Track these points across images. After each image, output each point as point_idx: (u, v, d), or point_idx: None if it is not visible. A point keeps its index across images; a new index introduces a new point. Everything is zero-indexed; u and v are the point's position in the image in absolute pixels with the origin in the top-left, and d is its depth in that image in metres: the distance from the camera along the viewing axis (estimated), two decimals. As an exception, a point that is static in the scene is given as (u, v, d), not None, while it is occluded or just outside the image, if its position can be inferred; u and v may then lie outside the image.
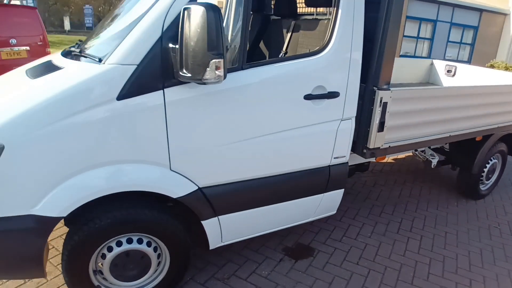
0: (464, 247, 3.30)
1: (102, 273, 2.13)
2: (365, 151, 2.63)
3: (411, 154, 5.50)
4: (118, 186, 1.90)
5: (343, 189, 2.71)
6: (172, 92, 1.84)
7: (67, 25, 31.44)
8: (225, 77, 1.71)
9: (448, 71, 5.86)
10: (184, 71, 1.68)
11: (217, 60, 1.62)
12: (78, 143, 1.76)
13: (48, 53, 8.45)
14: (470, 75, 5.51)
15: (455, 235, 3.51)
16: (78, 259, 2.01)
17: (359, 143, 2.62)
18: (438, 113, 2.96)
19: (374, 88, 2.46)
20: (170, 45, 1.77)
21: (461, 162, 4.02)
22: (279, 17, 3.20)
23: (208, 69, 1.62)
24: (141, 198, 2.05)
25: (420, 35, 15.32)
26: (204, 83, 1.71)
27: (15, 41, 7.58)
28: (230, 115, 2.04)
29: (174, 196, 2.03)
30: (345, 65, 2.30)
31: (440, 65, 5.98)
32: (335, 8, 2.21)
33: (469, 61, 17.16)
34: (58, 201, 1.80)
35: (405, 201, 4.13)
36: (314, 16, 2.86)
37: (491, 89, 3.46)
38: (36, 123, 1.68)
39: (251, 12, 3.60)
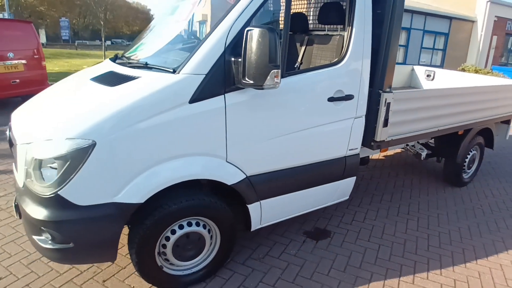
0: (454, 225, 3.87)
1: (165, 254, 2.50)
2: (372, 143, 3.16)
3: (399, 151, 6.11)
4: (187, 175, 2.31)
5: (355, 177, 3.22)
6: (231, 96, 2.31)
7: (42, 38, 31.18)
8: (280, 83, 2.19)
9: (428, 75, 6.48)
10: (247, 79, 2.15)
11: (275, 70, 2.10)
12: (158, 139, 2.17)
13: (44, 67, 8.58)
14: (447, 79, 6.16)
15: (446, 215, 4.07)
16: (148, 242, 2.35)
17: (367, 137, 3.14)
18: (430, 111, 3.54)
19: (380, 91, 2.99)
20: (232, 58, 2.24)
21: (447, 153, 4.62)
22: (292, 32, 3.72)
23: (268, 77, 2.10)
24: (197, 186, 2.47)
25: (395, 43, 16.17)
26: (263, 88, 2.17)
27: (13, 54, 7.73)
28: (274, 115, 2.53)
29: (229, 183, 2.48)
30: (358, 73, 2.82)
31: (420, 71, 6.61)
32: (350, 27, 2.74)
33: (441, 66, 18.17)
34: (138, 189, 2.17)
35: (400, 190, 4.68)
36: (326, 32, 3.38)
37: (473, 90, 4.08)
38: (125, 123, 2.07)
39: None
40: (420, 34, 17.26)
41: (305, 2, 3.76)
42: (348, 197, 3.36)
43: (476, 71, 15.30)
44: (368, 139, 3.15)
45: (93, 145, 2.01)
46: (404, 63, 16.51)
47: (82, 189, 2.06)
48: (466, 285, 2.88)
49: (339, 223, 3.72)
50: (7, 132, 2.62)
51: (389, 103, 3.03)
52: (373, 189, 4.66)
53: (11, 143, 2.47)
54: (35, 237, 2.20)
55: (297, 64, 3.45)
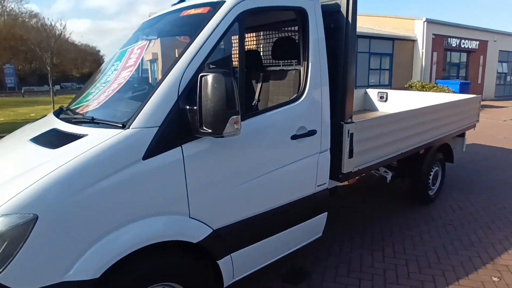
0: (429, 245, 3.83)
1: None
2: (340, 176, 3.08)
3: (363, 175, 6.12)
4: (146, 240, 2.07)
5: (326, 212, 3.10)
6: (189, 147, 2.14)
7: (-14, 85, 29.72)
8: (240, 130, 2.05)
9: (381, 97, 6.69)
10: (205, 128, 2.00)
11: (235, 116, 1.97)
12: (110, 204, 1.94)
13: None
14: (398, 99, 6.39)
15: (419, 236, 4.04)
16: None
17: (334, 169, 3.06)
18: (392, 135, 3.56)
19: (342, 122, 2.94)
20: (187, 106, 2.08)
21: (410, 173, 4.65)
22: (246, 70, 3.65)
23: (227, 124, 1.96)
24: (161, 248, 2.23)
25: (345, 66, 16.80)
26: (223, 137, 2.03)
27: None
28: (237, 161, 2.38)
29: (195, 241, 2.26)
30: (318, 106, 2.76)
31: (373, 93, 6.81)
32: (305, 62, 2.69)
33: (390, 85, 19.04)
34: (91, 263, 1.89)
35: (371, 216, 4.64)
36: (281, 67, 3.34)
37: (433, 108, 4.19)
38: (70, 190, 1.83)
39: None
40: (367, 56, 18.09)
41: (257, 38, 3.73)
42: (321, 234, 3.23)
43: (423, 86, 16.24)
44: (335, 172, 3.07)
45: (34, 220, 1.74)
46: (355, 85, 17.09)
47: (24, 271, 1.77)
48: (452, 313, 2.79)
49: (316, 259, 3.57)
50: None
51: (352, 134, 2.98)
52: (344, 218, 4.58)
53: None
54: None
55: (254, 102, 3.36)
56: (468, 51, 23.20)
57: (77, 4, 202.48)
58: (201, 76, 1.99)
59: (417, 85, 16.41)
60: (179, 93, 2.10)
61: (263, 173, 2.52)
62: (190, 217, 2.23)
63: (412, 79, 18.43)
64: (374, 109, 6.74)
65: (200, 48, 2.19)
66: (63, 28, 16.64)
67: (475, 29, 22.63)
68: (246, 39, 3.78)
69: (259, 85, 3.36)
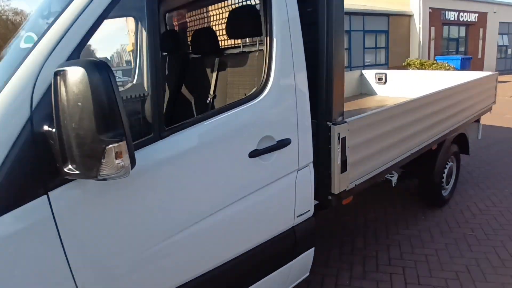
0: (449, 268, 2.98)
1: None
2: (330, 197, 2.20)
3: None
4: None
5: (313, 248, 2.23)
6: (63, 194, 1.24)
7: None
8: (133, 164, 1.16)
9: (379, 79, 5.83)
10: (70, 166, 1.11)
11: (115, 144, 1.07)
12: None
13: None
14: (400, 80, 5.56)
15: (435, 256, 3.19)
16: None
17: (322, 190, 2.19)
18: (398, 132, 2.65)
19: (328, 123, 2.05)
20: (46, 127, 1.19)
21: (421, 174, 3.78)
22: (200, 55, 2.74)
23: (103, 160, 1.06)
24: None
25: (338, 46, 15.82)
26: (105, 179, 1.14)
27: None
28: (153, 205, 1.48)
29: None
30: (291, 103, 1.86)
31: (370, 75, 5.95)
32: (268, 37, 1.78)
33: (386, 64, 18.15)
34: None
35: (373, 228, 3.77)
36: (242, 49, 2.42)
37: (445, 93, 3.26)
38: None
39: (165, 53, 3.12)
40: (361, 35, 17.06)
41: (211, 12, 2.79)
42: (308, 274, 2.36)
43: (422, 64, 15.34)
44: (323, 192, 2.19)
45: None
46: (349, 66, 16.18)
47: None
48: None
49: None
50: None
51: (344, 138, 2.09)
52: (340, 233, 3.71)
53: None
54: None
55: (209, 99, 2.46)
56: (467, 25, 22.15)
57: None
58: (56, 74, 1.09)
59: (416, 63, 15.48)
60: (33, 106, 1.19)
61: (206, 216, 1.63)
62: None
63: (410, 57, 17.42)
64: (372, 92, 5.88)
65: (73, 24, 1.27)
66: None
67: (474, 0, 21.53)
68: (196, 14, 2.85)
69: (214, 75, 2.45)
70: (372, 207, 4.25)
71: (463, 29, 22.64)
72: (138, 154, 1.27)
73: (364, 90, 6.02)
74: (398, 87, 5.40)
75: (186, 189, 1.55)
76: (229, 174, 1.67)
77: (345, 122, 2.08)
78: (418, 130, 2.91)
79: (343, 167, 2.13)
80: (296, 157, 1.92)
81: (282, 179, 1.89)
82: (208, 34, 2.49)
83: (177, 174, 1.51)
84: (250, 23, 1.95)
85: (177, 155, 1.50)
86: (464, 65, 15.42)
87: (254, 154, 1.72)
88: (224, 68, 2.37)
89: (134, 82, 3.07)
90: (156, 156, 1.44)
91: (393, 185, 3.64)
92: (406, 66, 15.40)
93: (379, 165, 2.53)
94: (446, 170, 3.98)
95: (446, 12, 20.23)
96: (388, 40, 18.34)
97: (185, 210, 1.57)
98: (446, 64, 15.01)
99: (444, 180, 3.99)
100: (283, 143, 1.82)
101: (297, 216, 2.03)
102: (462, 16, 21.28)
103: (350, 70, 7.33)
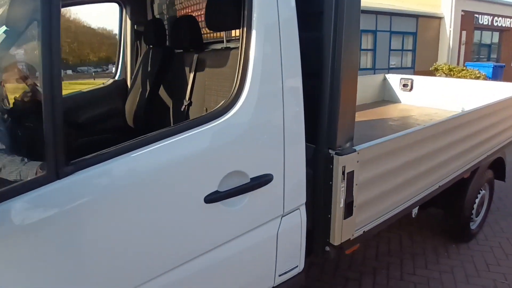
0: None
1: None
2: (328, 249, 1.63)
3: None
4: None
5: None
6: None
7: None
8: None
9: (404, 85, 5.24)
10: None
11: None
12: None
13: None
14: (427, 87, 4.96)
15: (459, 312, 2.60)
16: None
17: (316, 238, 1.63)
18: (425, 161, 2.05)
19: (331, 151, 1.49)
20: None
21: (448, 206, 3.16)
22: (182, 50, 2.21)
23: None
24: None
25: (362, 47, 15.13)
26: None
27: None
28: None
29: None
30: (275, 123, 1.31)
31: (394, 80, 5.36)
32: (245, 29, 1.23)
33: (413, 67, 17.36)
34: None
35: (386, 264, 3.18)
36: (225, 45, 1.87)
37: (486, 111, 2.64)
38: None
39: (150, 46, 2.63)
40: (387, 35, 16.25)
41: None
42: None
43: (450, 70, 14.49)
44: (319, 241, 1.63)
45: None
46: (373, 68, 15.44)
47: None
48: None
49: None
50: None
51: (351, 173, 1.53)
52: (345, 267, 3.13)
53: None
54: None
55: (183, 106, 1.92)
56: (501, 30, 21.01)
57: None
58: None
59: (444, 68, 14.59)
60: None
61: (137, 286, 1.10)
62: None
63: (438, 61, 16.50)
64: (396, 100, 5.30)
65: None
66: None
67: (511, 4, 20.36)
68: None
69: (191, 76, 1.91)
70: (385, 236, 3.65)
71: (496, 35, 21.56)
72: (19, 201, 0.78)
73: (387, 97, 5.44)
74: (425, 95, 4.80)
75: (97, 253, 1.02)
76: (173, 228, 1.14)
77: (354, 150, 1.51)
78: (450, 157, 2.31)
79: (348, 210, 1.56)
80: (280, 199, 1.37)
81: (257, 230, 1.34)
82: (186, 23, 1.95)
83: (82, 233, 0.99)
84: (232, 10, 1.40)
85: (84, 203, 0.97)
86: (496, 74, 14.43)
87: (213, 198, 1.17)
88: (203, 68, 1.84)
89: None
90: (54, 203, 0.93)
91: (414, 216, 3.05)
92: (434, 71, 14.54)
93: (398, 204, 1.95)
94: (477, 200, 3.35)
95: (480, 16, 19.20)
96: (416, 43, 17.48)
97: (101, 281, 1.05)
98: (477, 71, 14.07)
99: (474, 211, 3.36)
100: (261, 181, 1.27)
101: (279, 275, 1.49)
102: (496, 21, 20.22)
103: (374, 73, 6.72)
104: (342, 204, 1.52)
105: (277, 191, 1.35)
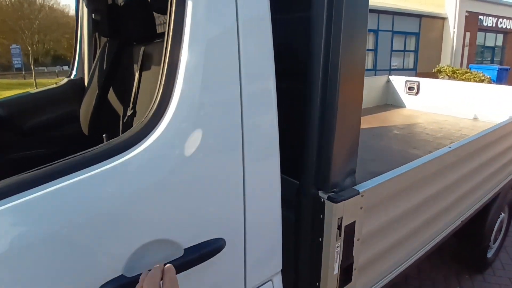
0: None
1: None
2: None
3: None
4: None
5: None
6: None
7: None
8: None
9: (410, 88, 4.77)
10: None
11: None
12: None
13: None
14: (435, 90, 4.51)
15: None
16: None
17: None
18: (449, 192, 1.55)
19: (321, 194, 0.99)
20: None
21: (465, 236, 2.67)
22: (134, 43, 1.71)
23: None
24: None
25: (363, 47, 14.72)
26: None
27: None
28: None
29: None
30: (227, 153, 0.81)
31: (398, 82, 4.89)
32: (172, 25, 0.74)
33: (415, 69, 17.01)
34: None
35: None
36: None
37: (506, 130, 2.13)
38: None
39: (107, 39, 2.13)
40: (389, 35, 15.85)
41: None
42: None
43: (454, 72, 14.08)
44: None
45: None
46: (374, 69, 15.00)
47: None
48: None
49: None
50: None
51: (352, 225, 1.02)
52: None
53: None
54: None
55: (128, 113, 1.42)
56: (506, 32, 20.68)
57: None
58: None
59: (447, 70, 14.17)
60: None
61: None
62: None
63: (441, 63, 16.10)
64: (400, 104, 4.85)
65: None
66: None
67: (516, 6, 20.03)
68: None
69: (137, 75, 1.41)
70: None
71: (500, 37, 21.28)
72: None
73: (390, 101, 4.98)
74: (431, 99, 4.39)
75: None
76: None
77: (357, 193, 1.01)
78: (479, 182, 1.81)
79: (346, 276, 1.06)
80: (239, 272, 0.87)
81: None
82: (133, 7, 1.45)
83: None
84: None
85: None
86: (501, 77, 14.03)
87: (117, 285, 0.67)
88: (149, 65, 1.34)
89: None
90: None
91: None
92: (436, 73, 14.12)
93: (414, 252, 1.44)
94: (496, 226, 2.87)
95: (484, 17, 18.83)
96: (418, 43, 17.11)
97: None
98: (481, 74, 13.64)
99: (492, 237, 2.88)
100: (203, 252, 0.77)
101: None
102: (501, 23, 19.92)
103: (375, 74, 6.26)
104: (336, 271, 1.02)
105: (233, 260, 0.85)
